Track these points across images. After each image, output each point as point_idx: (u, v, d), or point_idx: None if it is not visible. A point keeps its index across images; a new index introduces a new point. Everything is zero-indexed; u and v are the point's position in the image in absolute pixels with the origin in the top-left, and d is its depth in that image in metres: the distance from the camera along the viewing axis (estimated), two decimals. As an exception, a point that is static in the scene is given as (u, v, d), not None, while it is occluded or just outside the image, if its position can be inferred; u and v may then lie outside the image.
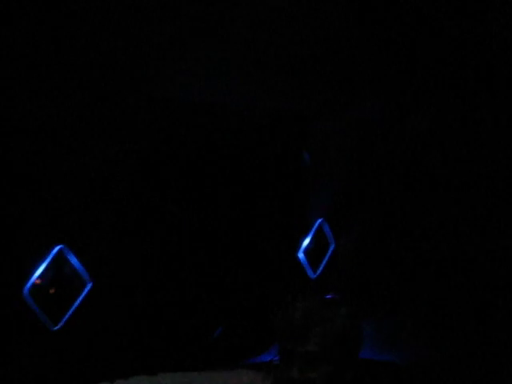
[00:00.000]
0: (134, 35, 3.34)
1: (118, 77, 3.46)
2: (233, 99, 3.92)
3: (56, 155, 3.54)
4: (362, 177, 4.45)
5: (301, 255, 4.44)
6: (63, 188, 3.59)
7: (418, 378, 3.90)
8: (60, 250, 3.61)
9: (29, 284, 3.54)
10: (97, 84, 3.46)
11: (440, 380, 3.87)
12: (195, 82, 3.69)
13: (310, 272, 4.46)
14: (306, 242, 4.45)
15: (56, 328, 3.59)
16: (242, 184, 4.18)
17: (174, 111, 3.83)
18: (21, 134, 3.44)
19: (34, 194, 3.53)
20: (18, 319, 3.52)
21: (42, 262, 3.58)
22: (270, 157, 4.26)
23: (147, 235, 3.88)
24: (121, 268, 3.80)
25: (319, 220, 4.49)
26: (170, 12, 3.33)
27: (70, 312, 3.63)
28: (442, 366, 3.94)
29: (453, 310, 4.07)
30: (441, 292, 4.13)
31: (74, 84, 3.38)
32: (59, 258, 3.62)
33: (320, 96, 4.02)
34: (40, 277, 3.57)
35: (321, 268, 4.48)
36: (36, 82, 3.31)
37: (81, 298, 3.66)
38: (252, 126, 4.14)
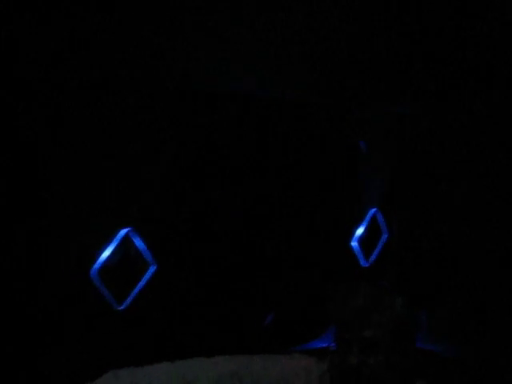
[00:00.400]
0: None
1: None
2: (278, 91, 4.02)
3: (120, 143, 3.67)
4: (413, 167, 4.53)
5: (354, 244, 4.51)
6: (130, 172, 3.71)
7: (471, 371, 3.90)
8: (127, 232, 3.76)
9: (96, 265, 3.67)
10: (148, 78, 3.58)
11: (495, 375, 3.86)
12: (244, 74, 3.78)
13: (362, 261, 4.53)
14: (360, 231, 4.53)
15: (121, 308, 3.74)
16: (298, 173, 4.27)
17: (226, 103, 3.95)
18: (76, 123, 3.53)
19: (102, 179, 3.64)
20: (86, 299, 3.63)
21: (110, 244, 3.72)
22: (326, 146, 4.35)
23: (210, 220, 4.01)
24: (183, 252, 3.93)
25: (373, 209, 4.56)
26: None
27: (135, 293, 3.77)
28: (497, 362, 3.95)
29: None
30: (496, 283, 4.15)
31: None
32: (126, 240, 3.77)
33: (364, 89, 4.07)
34: (107, 259, 3.71)
35: (373, 257, 4.57)
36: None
37: (145, 279, 3.80)
38: (308, 116, 4.24)
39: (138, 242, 3.79)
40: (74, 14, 3.23)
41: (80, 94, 3.43)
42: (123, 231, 3.74)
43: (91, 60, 3.33)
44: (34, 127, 3.38)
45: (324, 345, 3.86)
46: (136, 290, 3.77)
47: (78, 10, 3.24)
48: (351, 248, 4.51)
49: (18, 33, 3.18)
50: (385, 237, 4.59)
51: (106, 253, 3.70)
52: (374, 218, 4.58)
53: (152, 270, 3.82)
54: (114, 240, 3.72)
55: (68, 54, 3.28)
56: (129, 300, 3.75)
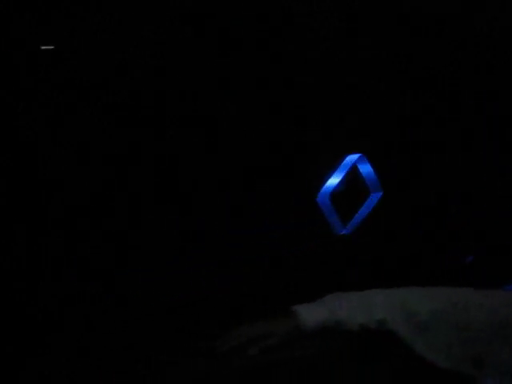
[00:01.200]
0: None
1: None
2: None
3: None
4: None
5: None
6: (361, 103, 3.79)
7: None
8: (356, 158, 3.81)
9: (324, 189, 3.76)
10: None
11: None
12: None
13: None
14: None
15: (344, 232, 3.83)
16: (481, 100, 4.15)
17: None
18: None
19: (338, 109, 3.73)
20: (311, 222, 3.73)
21: (339, 169, 3.79)
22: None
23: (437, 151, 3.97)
24: (409, 180, 3.95)
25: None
26: None
27: (359, 218, 3.85)
28: None
29: None
30: None
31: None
32: (355, 166, 3.82)
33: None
34: (335, 184, 3.79)
35: None
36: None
37: (370, 206, 3.86)
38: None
39: (366, 168, 3.84)
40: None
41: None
42: (352, 157, 3.80)
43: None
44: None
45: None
46: (360, 215, 3.85)
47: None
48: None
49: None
50: None
51: (334, 179, 3.78)
52: None
53: (377, 196, 3.87)
54: (343, 166, 3.79)
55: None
56: (353, 224, 3.84)
